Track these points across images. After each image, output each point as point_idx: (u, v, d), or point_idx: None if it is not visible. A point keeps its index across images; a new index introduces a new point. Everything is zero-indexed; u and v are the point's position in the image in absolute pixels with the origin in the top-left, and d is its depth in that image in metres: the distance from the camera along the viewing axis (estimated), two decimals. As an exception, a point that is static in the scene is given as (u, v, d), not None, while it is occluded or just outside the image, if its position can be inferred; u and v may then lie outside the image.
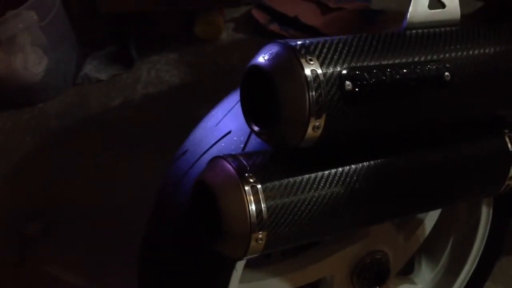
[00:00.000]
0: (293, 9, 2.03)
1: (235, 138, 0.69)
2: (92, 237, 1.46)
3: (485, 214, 0.97)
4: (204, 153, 0.70)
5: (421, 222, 0.91)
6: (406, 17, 0.63)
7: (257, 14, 2.08)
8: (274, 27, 2.02)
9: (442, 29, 0.64)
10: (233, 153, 0.60)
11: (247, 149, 0.67)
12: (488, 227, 0.97)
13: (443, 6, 0.65)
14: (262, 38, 2.01)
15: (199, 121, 0.79)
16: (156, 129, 1.75)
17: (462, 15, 0.66)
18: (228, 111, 0.74)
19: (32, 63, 1.79)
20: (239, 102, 0.74)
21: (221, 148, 0.69)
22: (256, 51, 0.58)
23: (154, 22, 2.07)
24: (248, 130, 0.67)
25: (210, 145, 0.71)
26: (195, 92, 1.86)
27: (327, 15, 2.01)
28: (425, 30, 0.63)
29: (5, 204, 1.59)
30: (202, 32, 2.03)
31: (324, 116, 0.54)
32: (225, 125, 0.72)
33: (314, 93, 0.53)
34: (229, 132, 0.70)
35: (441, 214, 0.93)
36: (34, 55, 1.79)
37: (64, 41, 1.92)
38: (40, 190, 1.61)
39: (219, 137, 0.71)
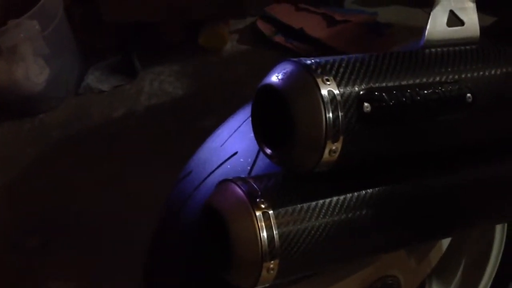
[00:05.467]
0: (298, 21, 2.01)
1: (241, 160, 0.67)
2: (93, 250, 1.45)
3: (499, 234, 0.94)
4: (210, 175, 0.68)
5: (434, 244, 0.89)
6: (424, 35, 0.61)
7: (262, 26, 2.06)
8: (279, 38, 2.01)
9: (462, 47, 0.61)
10: (239, 175, 0.57)
11: (254, 171, 0.65)
12: (502, 248, 0.95)
13: (462, 23, 0.63)
14: (267, 50, 2.00)
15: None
16: (159, 141, 1.73)
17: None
18: (234, 131, 0.72)
19: (33, 73, 1.78)
20: (246, 121, 0.72)
21: (227, 170, 0.67)
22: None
23: (157, 32, 2.06)
24: (255, 151, 0.65)
25: (215, 166, 0.68)
26: (199, 104, 1.84)
27: (333, 27, 1.99)
28: (445, 49, 0.60)
29: (4, 216, 1.58)
30: (206, 43, 2.02)
31: (341, 139, 0.51)
32: (231, 145, 0.70)
33: (331, 115, 0.50)
34: (235, 153, 0.68)
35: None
36: (35, 65, 1.77)
37: (66, 51, 1.91)
38: (40, 202, 1.60)
39: (225, 158, 0.68)
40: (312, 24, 2.00)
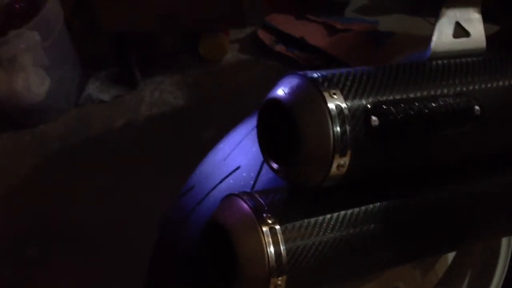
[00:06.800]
0: (299, 30, 2.01)
1: (244, 174, 0.66)
2: (93, 260, 1.44)
3: (505, 245, 0.93)
4: (212, 189, 0.67)
5: (439, 256, 0.88)
6: (430, 46, 0.60)
7: (263, 35, 2.05)
8: (280, 48, 2.00)
9: (469, 59, 0.61)
10: (243, 190, 0.56)
11: (257, 186, 0.64)
12: (508, 259, 0.94)
13: (467, 34, 0.62)
14: (268, 59, 1.99)
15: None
16: (160, 151, 1.72)
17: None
18: (237, 145, 0.71)
19: (33, 83, 1.76)
20: (248, 135, 0.71)
21: (230, 184, 0.66)
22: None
23: (157, 42, 2.05)
24: (258, 165, 0.64)
25: (218, 181, 0.68)
26: (200, 114, 1.83)
27: (334, 36, 1.98)
28: (451, 61, 0.60)
29: (4, 226, 1.56)
30: (206, 52, 2.01)
31: (349, 153, 0.50)
32: (233, 160, 0.69)
33: (338, 129, 0.49)
34: (238, 168, 0.68)
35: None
36: (36, 75, 1.76)
37: (67, 61, 1.90)
38: (40, 213, 1.58)
39: (228, 173, 0.68)
40: (313, 33, 1.99)
